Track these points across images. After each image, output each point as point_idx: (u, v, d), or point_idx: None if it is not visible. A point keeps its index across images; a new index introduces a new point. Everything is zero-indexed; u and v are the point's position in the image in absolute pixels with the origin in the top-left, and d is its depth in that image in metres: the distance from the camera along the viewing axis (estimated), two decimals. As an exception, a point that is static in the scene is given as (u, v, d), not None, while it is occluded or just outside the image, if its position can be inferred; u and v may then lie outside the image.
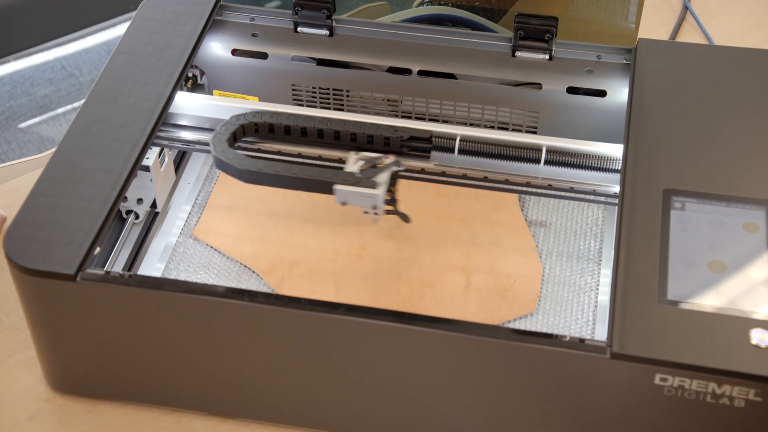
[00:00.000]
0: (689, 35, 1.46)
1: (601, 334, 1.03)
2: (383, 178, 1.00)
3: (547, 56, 1.15)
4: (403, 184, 1.16)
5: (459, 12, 1.24)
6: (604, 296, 1.07)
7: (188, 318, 0.92)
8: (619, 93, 1.14)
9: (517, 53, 1.16)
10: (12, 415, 1.00)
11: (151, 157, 1.09)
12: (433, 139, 1.07)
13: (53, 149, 1.03)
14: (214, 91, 1.24)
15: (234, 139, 1.06)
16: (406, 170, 1.06)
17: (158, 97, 1.07)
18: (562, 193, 1.06)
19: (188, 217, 1.16)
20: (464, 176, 1.07)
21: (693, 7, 1.50)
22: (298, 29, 1.20)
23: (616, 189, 1.04)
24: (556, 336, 0.87)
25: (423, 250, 1.12)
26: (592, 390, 0.88)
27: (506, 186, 1.06)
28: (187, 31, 1.16)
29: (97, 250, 0.94)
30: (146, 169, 1.08)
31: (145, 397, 1.00)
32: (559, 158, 1.05)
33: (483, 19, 1.24)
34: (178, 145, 1.10)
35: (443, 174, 1.07)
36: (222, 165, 1.02)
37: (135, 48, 1.13)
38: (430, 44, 1.18)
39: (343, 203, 1.00)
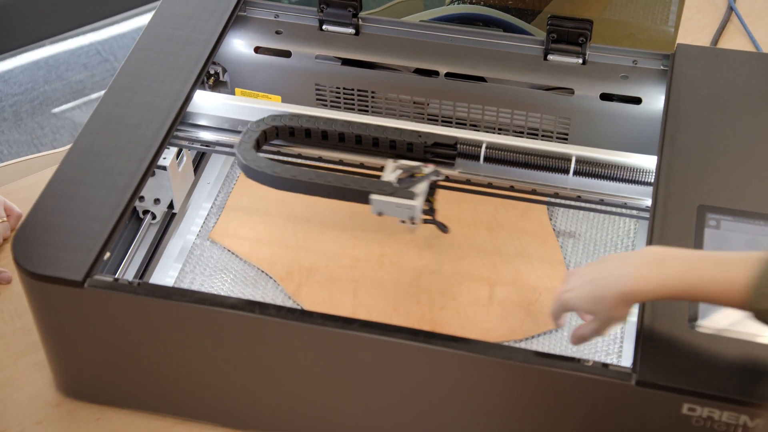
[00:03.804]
0: (733, 37, 1.40)
1: (628, 352, 0.99)
2: (422, 188, 0.96)
3: (580, 60, 1.11)
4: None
5: (491, 11, 1.19)
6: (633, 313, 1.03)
7: (198, 328, 0.89)
8: (655, 101, 1.09)
9: (549, 56, 1.11)
10: (19, 420, 0.98)
11: (168, 157, 1.06)
12: (458, 145, 1.03)
13: (69, 146, 1.00)
14: (237, 90, 1.21)
15: (258, 145, 1.03)
16: (446, 179, 1.01)
17: (176, 96, 1.04)
18: (592, 206, 1.01)
19: (206, 218, 1.14)
20: (489, 185, 1.03)
21: (739, 7, 1.44)
22: (323, 27, 1.16)
23: (649, 203, 0.99)
24: (579, 360, 0.83)
25: (445, 258, 1.08)
26: (615, 417, 0.84)
27: (532, 197, 1.02)
28: (209, 27, 1.13)
29: (107, 255, 0.92)
30: (164, 168, 1.06)
31: (155, 406, 0.98)
32: (589, 169, 1.01)
33: (516, 19, 1.19)
34: (197, 146, 1.07)
35: (468, 182, 1.03)
36: (252, 173, 0.99)
37: (155, 44, 1.10)
38: (459, 45, 1.14)
39: (380, 213, 0.96)
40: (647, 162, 1.00)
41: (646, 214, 0.99)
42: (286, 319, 0.86)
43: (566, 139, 1.14)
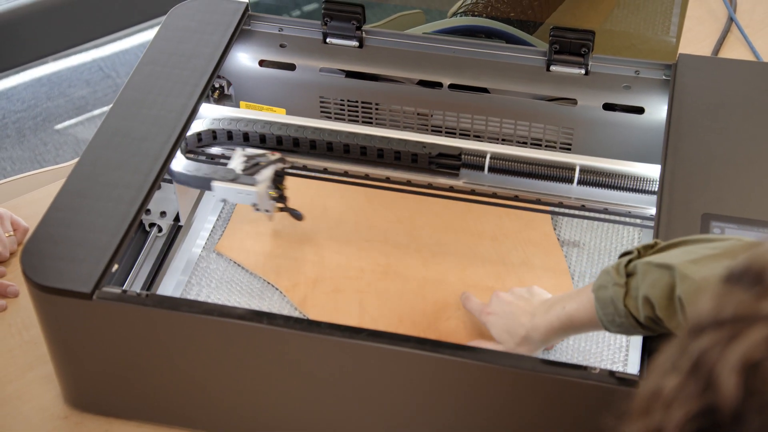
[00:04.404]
0: (734, 47, 1.41)
1: (634, 361, 0.99)
2: (265, 174, 1.00)
3: (583, 71, 1.11)
4: (434, 200, 1.13)
5: (493, 23, 1.20)
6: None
7: (206, 339, 0.90)
8: (657, 110, 1.10)
9: (552, 67, 1.12)
10: (28, 433, 0.98)
11: (174, 170, 1.07)
12: (463, 156, 1.03)
13: (76, 160, 1.01)
14: (241, 103, 1.21)
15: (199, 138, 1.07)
16: (292, 167, 1.04)
17: (182, 109, 1.05)
18: (596, 215, 1.02)
19: (212, 230, 1.14)
20: (494, 195, 1.04)
21: (739, 18, 1.45)
22: (327, 40, 1.17)
23: (653, 211, 1.00)
24: (586, 367, 0.83)
25: (450, 268, 1.09)
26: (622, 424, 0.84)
27: (537, 206, 1.02)
28: (214, 40, 1.14)
29: (116, 267, 0.92)
30: (170, 182, 1.07)
31: (164, 418, 0.98)
32: (593, 178, 1.02)
33: (518, 31, 1.20)
34: (203, 159, 1.08)
35: (472, 192, 1.04)
36: None
37: (160, 58, 1.11)
38: (462, 57, 1.15)
39: (223, 200, 1.00)
40: (651, 171, 1.01)
41: (651, 223, 0.99)
42: (294, 329, 0.86)
43: (569, 149, 1.15)
